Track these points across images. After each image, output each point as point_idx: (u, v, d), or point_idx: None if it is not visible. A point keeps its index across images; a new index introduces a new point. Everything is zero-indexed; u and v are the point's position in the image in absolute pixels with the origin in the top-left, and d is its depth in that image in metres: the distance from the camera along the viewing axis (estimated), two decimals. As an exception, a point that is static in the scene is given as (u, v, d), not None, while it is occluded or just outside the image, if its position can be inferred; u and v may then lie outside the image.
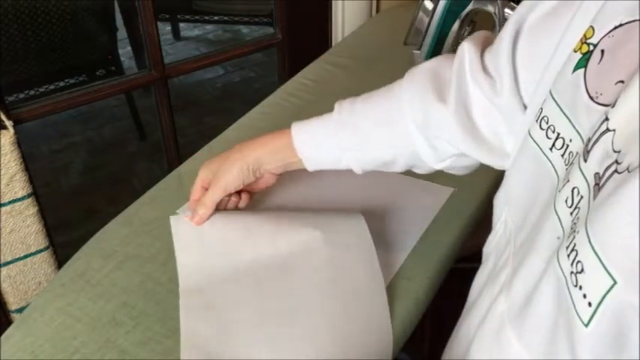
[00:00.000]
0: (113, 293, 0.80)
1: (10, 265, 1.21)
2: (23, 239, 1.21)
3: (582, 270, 0.40)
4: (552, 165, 0.51)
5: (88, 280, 0.83)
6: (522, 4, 0.62)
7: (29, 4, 1.74)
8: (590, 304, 0.39)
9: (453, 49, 1.18)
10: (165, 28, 3.02)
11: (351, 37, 1.59)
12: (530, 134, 0.56)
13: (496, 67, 0.65)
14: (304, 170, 0.79)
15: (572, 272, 0.41)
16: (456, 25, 1.14)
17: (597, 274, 0.39)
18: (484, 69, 0.67)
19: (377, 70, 1.34)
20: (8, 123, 1.12)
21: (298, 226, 0.80)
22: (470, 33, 1.17)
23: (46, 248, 1.25)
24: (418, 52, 1.18)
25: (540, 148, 0.53)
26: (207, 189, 0.80)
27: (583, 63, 0.48)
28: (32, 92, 1.87)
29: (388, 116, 0.72)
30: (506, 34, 0.63)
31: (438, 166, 0.74)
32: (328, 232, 0.78)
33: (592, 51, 0.48)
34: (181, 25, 3.08)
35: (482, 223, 0.95)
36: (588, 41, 0.49)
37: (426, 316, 0.83)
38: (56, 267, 1.29)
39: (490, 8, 1.11)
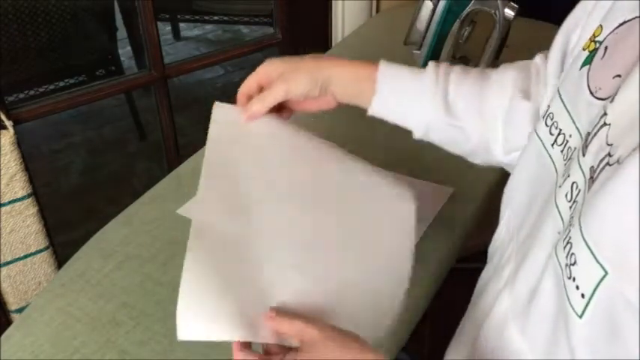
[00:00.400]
0: (113, 293, 0.80)
1: (10, 265, 1.21)
2: (23, 239, 1.21)
3: (575, 262, 0.41)
4: (552, 161, 0.52)
5: (88, 280, 0.83)
6: (564, 26, 0.63)
7: (29, 4, 1.74)
8: (583, 296, 0.40)
9: (453, 49, 1.18)
10: (165, 28, 3.02)
11: (351, 37, 1.59)
12: (536, 131, 0.57)
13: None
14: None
15: (566, 265, 0.42)
16: (456, 25, 1.14)
17: (589, 265, 0.39)
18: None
19: (377, 70, 1.34)
20: (8, 123, 1.12)
21: (346, 170, 0.73)
22: (470, 33, 1.16)
23: (46, 248, 1.25)
24: (418, 52, 1.18)
25: (543, 145, 0.54)
26: (261, 87, 0.74)
27: (589, 60, 0.50)
28: (32, 92, 1.87)
29: (478, 96, 0.72)
30: (553, 57, 0.64)
31: (504, 159, 0.73)
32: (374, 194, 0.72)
33: (598, 48, 0.49)
34: (181, 25, 3.08)
35: (482, 223, 0.95)
36: (596, 39, 0.50)
37: (426, 316, 0.83)
38: (56, 267, 1.29)
39: (490, 8, 1.11)
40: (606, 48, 0.48)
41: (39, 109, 1.31)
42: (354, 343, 0.52)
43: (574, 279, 0.41)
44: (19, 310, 1.26)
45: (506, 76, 0.72)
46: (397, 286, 0.62)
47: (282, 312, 0.55)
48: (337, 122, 1.12)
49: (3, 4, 1.68)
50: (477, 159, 0.76)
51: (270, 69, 0.73)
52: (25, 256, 1.23)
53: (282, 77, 0.72)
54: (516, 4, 1.10)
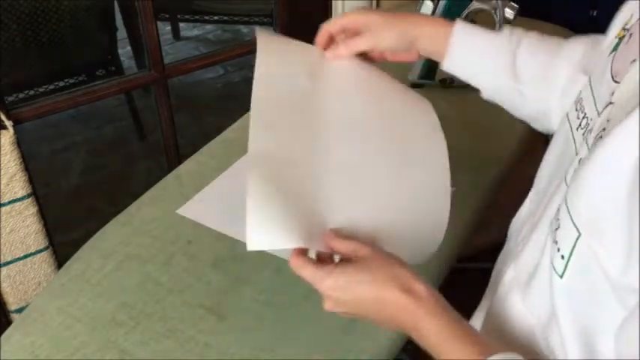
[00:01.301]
0: (113, 293, 0.80)
1: (10, 265, 1.21)
2: (23, 239, 1.21)
3: (559, 226, 0.44)
4: (575, 143, 0.55)
5: (88, 280, 0.83)
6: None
7: (29, 4, 1.74)
8: (563, 257, 0.43)
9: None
10: (165, 28, 3.02)
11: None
12: (567, 115, 0.59)
13: None
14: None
15: (554, 230, 0.46)
16: (456, 25, 1.14)
17: (568, 228, 0.43)
18: None
19: (377, 70, 1.34)
20: (8, 123, 1.12)
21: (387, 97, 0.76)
22: (470, 33, 1.16)
23: (46, 248, 1.25)
24: (418, 52, 1.18)
25: (571, 128, 0.57)
26: (345, 29, 0.76)
27: (616, 47, 0.52)
28: (32, 92, 1.86)
29: (547, 65, 0.73)
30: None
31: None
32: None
33: (625, 35, 0.52)
34: (181, 25, 3.08)
35: (482, 223, 0.96)
36: (626, 27, 0.52)
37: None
38: (56, 267, 1.29)
39: (490, 8, 1.11)
40: (631, 35, 0.50)
41: (39, 109, 1.31)
42: (401, 267, 0.54)
43: (556, 242, 0.44)
44: (19, 310, 1.26)
45: (577, 49, 0.72)
46: (441, 208, 0.65)
47: (340, 234, 0.58)
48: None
49: (3, 4, 1.68)
50: (538, 125, 0.77)
51: (359, 18, 0.75)
52: (25, 256, 1.23)
53: (371, 31, 0.74)
54: (516, 4, 1.10)
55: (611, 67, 0.51)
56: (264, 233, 0.56)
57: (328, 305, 0.55)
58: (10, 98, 1.76)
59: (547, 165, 0.63)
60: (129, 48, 2.46)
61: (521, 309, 0.53)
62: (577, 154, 0.50)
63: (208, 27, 3.19)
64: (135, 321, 0.77)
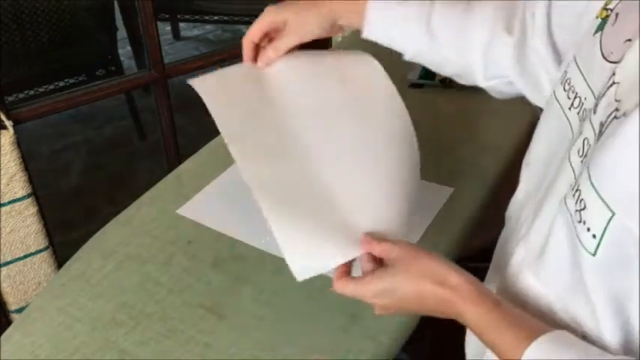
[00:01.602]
0: (113, 293, 0.81)
1: (10, 265, 1.21)
2: (23, 239, 1.21)
3: (585, 207, 0.45)
4: (570, 123, 0.56)
5: (88, 280, 0.83)
6: None
7: (29, 4, 1.74)
8: (594, 236, 0.44)
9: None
10: (165, 28, 3.02)
11: (351, 37, 1.58)
12: (555, 95, 0.59)
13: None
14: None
15: (576, 210, 0.46)
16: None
17: (598, 208, 0.44)
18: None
19: (377, 70, 1.34)
20: (8, 123, 1.12)
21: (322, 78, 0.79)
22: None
23: (46, 248, 1.25)
24: (418, 52, 1.18)
25: (562, 108, 0.57)
26: (266, 33, 0.77)
27: (601, 27, 0.53)
28: (32, 92, 1.87)
29: (460, 27, 0.74)
30: None
31: (484, 84, 0.76)
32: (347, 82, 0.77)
33: (609, 15, 0.53)
34: (181, 25, 3.08)
35: (482, 223, 0.95)
36: (607, 7, 0.53)
37: (426, 316, 0.83)
38: (56, 267, 1.29)
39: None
40: (617, 15, 0.52)
41: (39, 109, 1.31)
42: (432, 260, 0.56)
43: (584, 222, 0.45)
44: (19, 310, 1.26)
45: (489, 10, 0.73)
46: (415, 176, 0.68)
47: (372, 236, 0.60)
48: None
49: (3, 4, 1.68)
50: (462, 80, 0.79)
51: (276, 18, 0.75)
52: (25, 256, 1.23)
53: (292, 27, 0.75)
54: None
55: (601, 47, 0.52)
56: (307, 261, 0.59)
57: (377, 311, 0.59)
58: (10, 98, 1.76)
59: (540, 146, 0.64)
60: (129, 48, 2.46)
61: (534, 284, 0.55)
62: (580, 133, 0.51)
63: (208, 27, 3.19)
64: (135, 321, 0.77)
